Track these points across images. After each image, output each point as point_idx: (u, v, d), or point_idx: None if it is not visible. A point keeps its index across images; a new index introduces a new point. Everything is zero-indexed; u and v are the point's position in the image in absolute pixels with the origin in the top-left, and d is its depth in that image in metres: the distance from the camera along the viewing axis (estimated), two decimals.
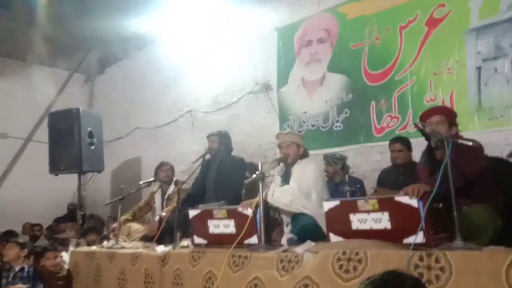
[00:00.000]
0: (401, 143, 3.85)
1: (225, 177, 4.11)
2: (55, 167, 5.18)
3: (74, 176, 5.45)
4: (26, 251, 3.79)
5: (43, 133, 6.58)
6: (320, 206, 2.98)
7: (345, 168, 4.35)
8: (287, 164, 3.34)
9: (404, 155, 3.81)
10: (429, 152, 2.82)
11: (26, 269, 3.71)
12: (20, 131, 8.10)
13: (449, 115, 2.87)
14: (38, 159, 6.26)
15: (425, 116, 2.84)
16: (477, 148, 2.48)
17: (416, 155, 3.70)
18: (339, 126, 5.07)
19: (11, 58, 8.20)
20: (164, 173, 4.57)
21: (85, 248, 4.31)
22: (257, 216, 2.86)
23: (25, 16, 7.46)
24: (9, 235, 5.26)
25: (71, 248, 4.54)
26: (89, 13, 7.18)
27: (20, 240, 4.07)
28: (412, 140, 3.91)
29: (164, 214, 4.14)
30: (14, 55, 8.23)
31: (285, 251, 2.62)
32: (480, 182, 2.60)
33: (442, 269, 1.90)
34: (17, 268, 3.68)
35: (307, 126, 5.35)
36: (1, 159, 7.85)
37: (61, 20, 7.38)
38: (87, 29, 7.75)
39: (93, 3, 6.94)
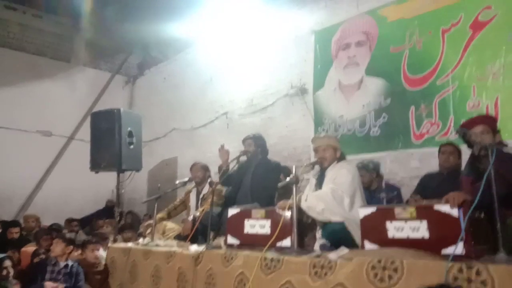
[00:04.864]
0: (453, 146, 3.69)
1: (260, 179, 4.11)
2: (96, 165, 5.32)
3: (113, 174, 5.60)
4: (71, 247, 3.93)
5: (85, 132, 6.84)
6: (351, 210, 2.95)
7: (379, 175, 4.27)
8: (322, 167, 3.31)
9: (454, 159, 3.64)
10: (472, 161, 2.71)
11: (70, 265, 3.85)
12: (63, 130, 8.47)
13: (491, 124, 2.76)
14: (80, 156, 6.50)
15: (468, 126, 2.74)
16: None
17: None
18: (376, 131, 4.96)
19: (56, 60, 8.58)
20: (193, 173, 4.61)
21: (121, 245, 4.42)
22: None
23: (70, 20, 7.82)
24: (54, 229, 5.52)
25: (108, 244, 4.67)
26: (130, 18, 7.44)
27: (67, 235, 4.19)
28: None
29: (198, 214, 4.19)
30: (59, 57, 8.62)
31: (318, 256, 2.59)
32: None
33: (484, 282, 1.82)
34: (62, 264, 3.82)
35: (343, 130, 5.28)
36: (45, 156, 8.23)
37: (104, 25, 7.69)
38: (128, 33, 8.04)
39: (134, 9, 7.18)
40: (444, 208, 2.14)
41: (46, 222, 6.57)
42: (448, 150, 3.69)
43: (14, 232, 5.47)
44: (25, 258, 4.60)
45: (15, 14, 8.09)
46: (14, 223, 5.82)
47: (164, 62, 8.87)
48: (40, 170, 8.15)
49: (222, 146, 4.32)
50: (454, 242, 2.02)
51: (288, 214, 2.90)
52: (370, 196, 3.87)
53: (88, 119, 5.78)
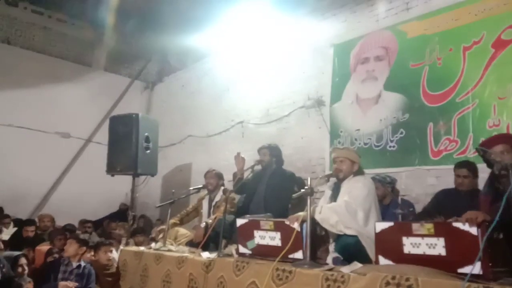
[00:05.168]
0: (468, 169, 3.59)
1: (274, 189, 4.11)
2: (112, 168, 5.41)
3: (127, 178, 5.68)
4: (84, 248, 3.97)
5: (103, 135, 6.95)
6: (366, 225, 2.93)
7: (394, 190, 4.23)
8: (338, 179, 3.30)
9: (469, 182, 3.56)
10: (491, 180, 2.67)
11: (82, 266, 3.88)
12: (81, 132, 8.59)
13: None
14: (96, 159, 6.60)
15: (487, 145, 2.70)
16: None
17: (479, 182, 3.51)
18: (393, 146, 4.93)
19: (78, 64, 8.77)
20: (207, 180, 4.62)
21: (134, 248, 4.44)
22: (304, 231, 2.83)
23: (93, 27, 8.03)
24: (68, 230, 5.59)
25: (121, 247, 4.71)
26: (150, 28, 7.64)
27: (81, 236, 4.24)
28: None
29: (210, 221, 4.20)
30: (80, 61, 8.82)
31: (330, 269, 2.57)
32: None
33: None
34: (74, 265, 3.86)
35: (359, 144, 5.25)
36: (63, 157, 8.35)
37: (125, 33, 7.87)
38: (148, 42, 8.22)
39: (154, 19, 7.35)
40: (463, 226, 2.11)
41: (60, 222, 6.65)
42: (462, 174, 3.61)
43: (30, 231, 5.55)
44: (39, 257, 4.66)
45: (40, 18, 8.33)
46: (29, 222, 5.91)
47: (182, 70, 8.97)
48: (57, 170, 8.27)
49: (238, 154, 4.34)
50: (471, 261, 1.99)
51: (297, 226, 2.87)
52: (384, 211, 3.83)
53: (106, 123, 5.89)
